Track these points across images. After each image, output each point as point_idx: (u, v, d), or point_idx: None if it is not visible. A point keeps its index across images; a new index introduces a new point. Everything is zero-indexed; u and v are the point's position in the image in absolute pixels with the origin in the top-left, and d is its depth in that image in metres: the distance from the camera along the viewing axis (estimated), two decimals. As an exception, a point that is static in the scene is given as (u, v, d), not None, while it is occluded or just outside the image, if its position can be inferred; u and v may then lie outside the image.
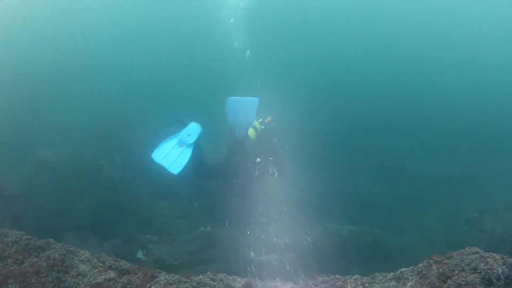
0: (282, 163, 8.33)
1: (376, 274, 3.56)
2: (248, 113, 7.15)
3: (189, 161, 6.36)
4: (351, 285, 3.46)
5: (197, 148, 6.80)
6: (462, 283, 3.14)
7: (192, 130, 6.57)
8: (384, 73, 25.00)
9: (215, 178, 7.60)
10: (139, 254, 7.77)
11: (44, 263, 3.80)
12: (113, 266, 3.91)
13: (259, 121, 8.31)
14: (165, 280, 3.40)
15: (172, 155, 6.33)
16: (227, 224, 8.60)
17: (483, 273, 3.20)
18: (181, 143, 6.41)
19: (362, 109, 18.50)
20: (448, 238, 10.80)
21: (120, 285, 3.61)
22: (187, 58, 27.22)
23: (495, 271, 3.17)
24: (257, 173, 8.03)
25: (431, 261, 3.51)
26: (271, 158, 8.25)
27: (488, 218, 9.16)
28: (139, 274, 3.73)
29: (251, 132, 7.75)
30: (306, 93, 18.36)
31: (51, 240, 4.09)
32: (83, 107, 15.29)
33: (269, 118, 8.49)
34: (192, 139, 6.45)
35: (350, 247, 9.80)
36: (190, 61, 26.57)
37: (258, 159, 7.76)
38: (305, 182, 12.45)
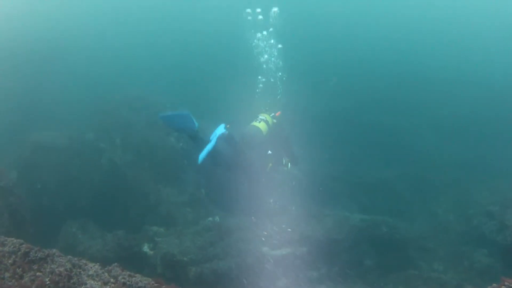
0: (294, 154, 8.19)
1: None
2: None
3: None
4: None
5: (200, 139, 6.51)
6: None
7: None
8: (397, 51, 24.08)
9: (232, 169, 7.40)
10: (145, 248, 7.28)
11: (47, 279, 3.25)
12: (128, 283, 3.38)
13: (271, 115, 8.19)
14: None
15: None
16: (253, 219, 8.38)
17: None
18: None
19: (374, 88, 17.83)
20: (463, 229, 10.39)
21: (136, 307, 3.08)
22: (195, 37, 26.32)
23: None
24: (270, 164, 7.85)
25: (503, 286, 3.01)
26: (283, 150, 8.09)
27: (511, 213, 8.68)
28: (159, 294, 3.21)
29: (262, 126, 7.62)
30: (316, 74, 17.73)
31: (54, 250, 3.54)
32: (82, 85, 14.53)
33: (279, 112, 8.30)
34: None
35: (362, 238, 9.43)
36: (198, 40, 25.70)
37: (269, 152, 7.65)
38: (314, 166, 11.98)
